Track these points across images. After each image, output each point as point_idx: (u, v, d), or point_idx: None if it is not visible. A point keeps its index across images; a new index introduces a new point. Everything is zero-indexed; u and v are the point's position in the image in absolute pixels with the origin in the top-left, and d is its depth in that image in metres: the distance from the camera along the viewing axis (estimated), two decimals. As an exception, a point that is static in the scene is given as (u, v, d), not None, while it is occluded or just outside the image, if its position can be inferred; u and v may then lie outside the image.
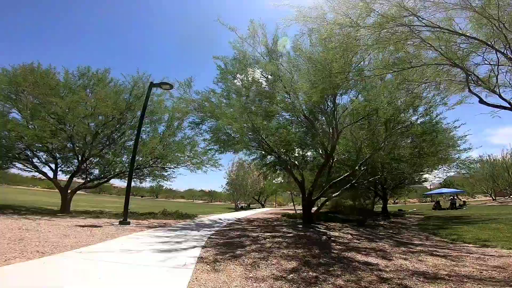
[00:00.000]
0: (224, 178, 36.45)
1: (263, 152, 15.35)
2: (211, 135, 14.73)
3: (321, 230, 11.76)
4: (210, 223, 13.77)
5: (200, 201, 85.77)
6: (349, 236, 9.92)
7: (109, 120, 14.87)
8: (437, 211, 28.51)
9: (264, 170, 19.13)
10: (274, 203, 67.79)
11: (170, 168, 18.97)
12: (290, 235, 9.82)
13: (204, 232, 9.50)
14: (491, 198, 45.80)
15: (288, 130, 13.35)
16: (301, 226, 13.17)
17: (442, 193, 41.59)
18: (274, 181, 28.23)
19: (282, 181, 24.29)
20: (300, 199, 24.26)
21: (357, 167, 13.89)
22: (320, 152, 15.15)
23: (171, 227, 10.74)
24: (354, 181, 14.99)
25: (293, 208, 45.95)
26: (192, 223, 13.04)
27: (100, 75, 15.45)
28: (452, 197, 35.36)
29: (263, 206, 53.06)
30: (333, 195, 15.63)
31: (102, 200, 37.35)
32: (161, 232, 8.94)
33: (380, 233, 11.26)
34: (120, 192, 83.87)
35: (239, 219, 17.62)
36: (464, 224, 12.91)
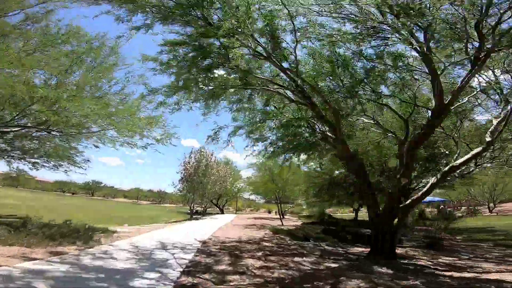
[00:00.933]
0: (178, 172, 26.87)
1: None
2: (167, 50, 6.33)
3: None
4: (123, 269, 5.08)
5: (146, 203, 73.48)
6: None
7: None
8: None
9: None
10: (235, 208, 59.24)
11: (75, 135, 9.88)
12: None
13: None
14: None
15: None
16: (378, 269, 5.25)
17: (429, 202, 37.37)
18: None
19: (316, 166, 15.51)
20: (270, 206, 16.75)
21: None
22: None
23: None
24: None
25: (268, 215, 37.60)
26: (76, 265, 4.28)
27: None
28: (441, 206, 30.95)
29: (222, 212, 44.07)
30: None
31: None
32: None
33: None
34: (47, 187, 68.10)
35: (205, 243, 9.10)
36: None
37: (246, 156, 11.58)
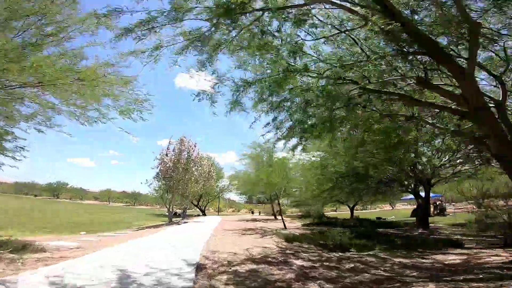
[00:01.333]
0: (153, 168, 22.34)
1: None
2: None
3: None
4: None
5: (119, 205, 67.30)
6: None
7: None
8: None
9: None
10: (215, 209, 55.15)
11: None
12: None
13: None
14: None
15: None
16: None
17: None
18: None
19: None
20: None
21: None
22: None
23: None
24: None
25: (253, 216, 34.25)
26: None
27: None
28: (437, 202, 29.03)
29: (204, 214, 39.99)
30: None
31: None
32: None
33: None
34: (9, 189, 60.13)
35: (202, 269, 5.34)
36: None
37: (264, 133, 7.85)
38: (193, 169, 21.57)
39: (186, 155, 20.51)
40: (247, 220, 21.95)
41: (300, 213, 34.23)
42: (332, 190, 14.59)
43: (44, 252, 5.85)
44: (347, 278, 4.68)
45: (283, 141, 8.16)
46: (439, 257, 6.66)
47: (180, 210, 37.67)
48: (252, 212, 53.64)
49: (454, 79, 5.20)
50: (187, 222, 19.92)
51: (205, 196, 43.03)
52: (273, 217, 28.64)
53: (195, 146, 21.41)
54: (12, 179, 64.18)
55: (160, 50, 5.43)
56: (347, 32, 4.89)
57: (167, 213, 24.90)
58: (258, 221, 21.75)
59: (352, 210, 28.61)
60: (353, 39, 5.11)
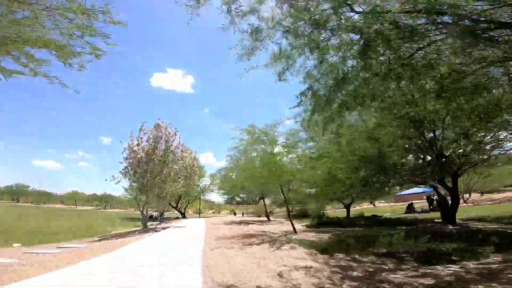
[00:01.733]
0: (121, 162, 17.35)
1: None
2: None
3: None
4: None
5: (87, 208, 60.93)
6: None
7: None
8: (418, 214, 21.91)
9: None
10: (195, 211, 50.92)
11: None
12: None
13: None
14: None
15: None
16: None
17: (417, 193, 34.16)
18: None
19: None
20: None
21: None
22: None
23: None
24: None
25: (237, 217, 31.12)
26: None
27: None
28: (429, 196, 27.36)
29: (184, 216, 35.92)
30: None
31: None
32: None
33: None
34: None
35: None
36: None
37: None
38: (172, 162, 17.73)
39: (164, 145, 16.67)
40: (237, 223, 18.48)
41: (292, 213, 31.15)
42: (353, 181, 11.52)
43: None
44: None
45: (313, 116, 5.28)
46: None
47: (157, 213, 33.40)
48: (234, 213, 49.96)
49: None
50: (167, 228, 16.14)
51: (185, 197, 39.07)
52: (265, 218, 25.26)
53: (175, 134, 17.57)
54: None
55: None
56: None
57: (142, 219, 20.88)
58: (251, 223, 18.32)
59: (348, 208, 25.88)
60: None
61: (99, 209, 60.35)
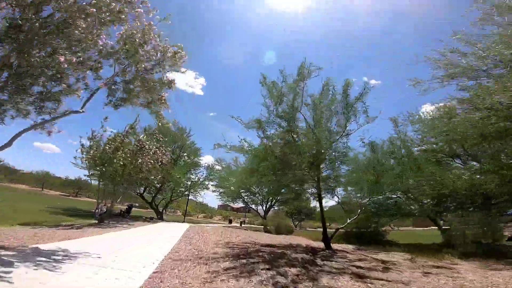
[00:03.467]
0: (80, 153, 14.32)
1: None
2: None
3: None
4: None
5: (56, 193, 53.57)
6: None
7: None
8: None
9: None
10: (183, 213, 43.78)
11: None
12: None
13: None
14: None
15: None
16: None
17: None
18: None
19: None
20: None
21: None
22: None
23: None
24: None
25: (233, 226, 25.15)
26: None
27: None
28: None
29: (159, 217, 28.87)
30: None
31: None
32: None
33: None
34: None
35: None
36: None
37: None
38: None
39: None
40: (242, 251, 12.26)
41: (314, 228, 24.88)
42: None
43: None
44: None
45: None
46: None
47: (126, 207, 27.10)
48: (230, 221, 42.48)
49: None
50: (131, 234, 10.07)
51: (167, 191, 31.96)
52: (287, 236, 18.80)
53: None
54: None
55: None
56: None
57: (94, 211, 14.72)
58: (275, 248, 11.97)
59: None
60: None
61: (69, 196, 53.07)
